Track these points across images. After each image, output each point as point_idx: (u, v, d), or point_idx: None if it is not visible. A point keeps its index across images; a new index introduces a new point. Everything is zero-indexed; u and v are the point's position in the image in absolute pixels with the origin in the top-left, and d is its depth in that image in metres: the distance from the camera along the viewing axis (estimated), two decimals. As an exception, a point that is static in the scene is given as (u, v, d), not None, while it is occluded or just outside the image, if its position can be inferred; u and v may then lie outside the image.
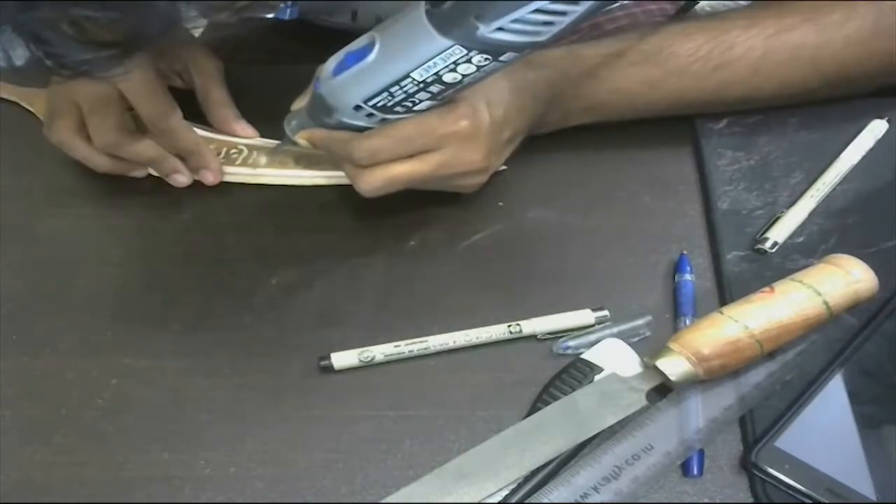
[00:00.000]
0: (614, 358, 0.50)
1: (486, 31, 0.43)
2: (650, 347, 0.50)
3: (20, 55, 0.39)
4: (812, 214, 0.57)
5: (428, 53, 0.46)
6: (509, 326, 0.52)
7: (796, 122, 0.63)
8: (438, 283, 0.56)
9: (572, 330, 0.53)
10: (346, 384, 0.51)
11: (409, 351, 0.52)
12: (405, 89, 0.49)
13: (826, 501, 0.44)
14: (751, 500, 0.45)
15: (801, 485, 0.44)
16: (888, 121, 0.62)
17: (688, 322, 0.52)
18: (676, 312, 0.53)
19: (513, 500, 0.45)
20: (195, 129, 0.63)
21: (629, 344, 0.51)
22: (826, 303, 0.48)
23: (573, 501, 0.44)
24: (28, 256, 0.60)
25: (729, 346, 0.47)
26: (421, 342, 0.52)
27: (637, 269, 0.56)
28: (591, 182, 0.62)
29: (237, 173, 0.63)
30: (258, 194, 0.62)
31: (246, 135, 0.64)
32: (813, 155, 0.61)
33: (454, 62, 0.46)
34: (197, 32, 0.92)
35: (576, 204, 0.60)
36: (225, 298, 0.56)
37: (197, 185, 0.63)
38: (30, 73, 0.71)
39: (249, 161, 0.63)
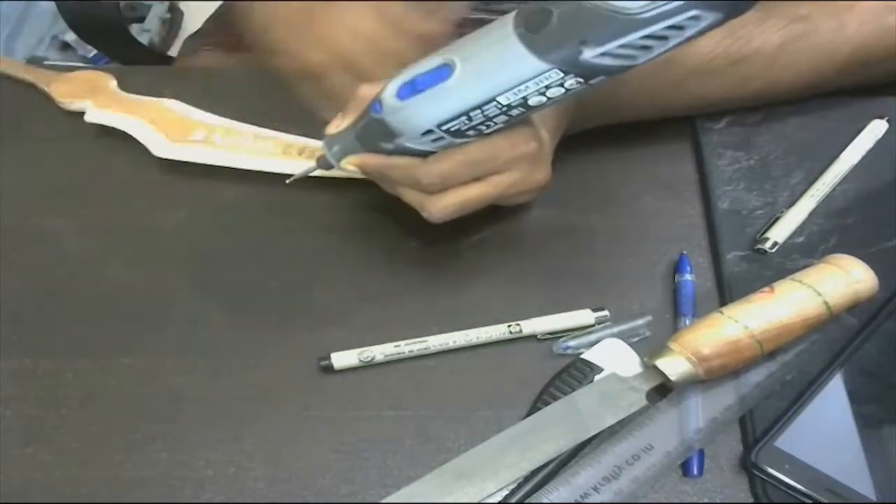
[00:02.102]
0: (614, 358, 0.50)
1: (590, 55, 0.42)
2: (650, 347, 0.50)
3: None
4: (812, 214, 0.57)
5: (521, 77, 0.45)
6: (509, 326, 0.52)
7: (796, 122, 0.63)
8: (438, 283, 0.56)
9: (572, 330, 0.53)
10: (346, 384, 0.51)
11: (409, 351, 0.52)
12: (486, 113, 0.47)
13: (826, 501, 0.44)
14: (751, 500, 0.45)
15: (801, 485, 0.44)
16: (888, 121, 0.62)
17: (688, 322, 0.52)
18: (676, 312, 0.53)
19: (513, 500, 0.45)
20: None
21: (629, 344, 0.51)
22: (826, 303, 0.48)
23: (573, 501, 0.44)
24: (28, 256, 0.59)
25: (729, 346, 0.47)
26: (421, 342, 0.52)
27: (637, 269, 0.56)
28: (591, 182, 0.62)
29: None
30: (258, 194, 0.62)
31: None
32: (813, 155, 0.61)
33: (546, 86, 0.45)
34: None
35: (576, 204, 0.60)
36: (225, 298, 0.56)
37: (197, 185, 0.63)
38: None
39: (255, 149, 0.63)
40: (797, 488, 0.44)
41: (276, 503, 0.47)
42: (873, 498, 0.44)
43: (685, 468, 0.47)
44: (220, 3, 0.95)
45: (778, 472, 0.45)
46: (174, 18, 1.73)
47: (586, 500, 0.44)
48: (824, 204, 0.58)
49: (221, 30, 0.82)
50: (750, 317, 0.47)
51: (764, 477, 0.45)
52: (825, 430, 0.47)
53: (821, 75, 0.61)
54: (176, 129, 0.65)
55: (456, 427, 0.49)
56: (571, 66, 0.43)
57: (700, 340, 0.47)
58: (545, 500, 0.44)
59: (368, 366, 0.52)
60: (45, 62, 1.57)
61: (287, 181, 0.57)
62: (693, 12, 0.41)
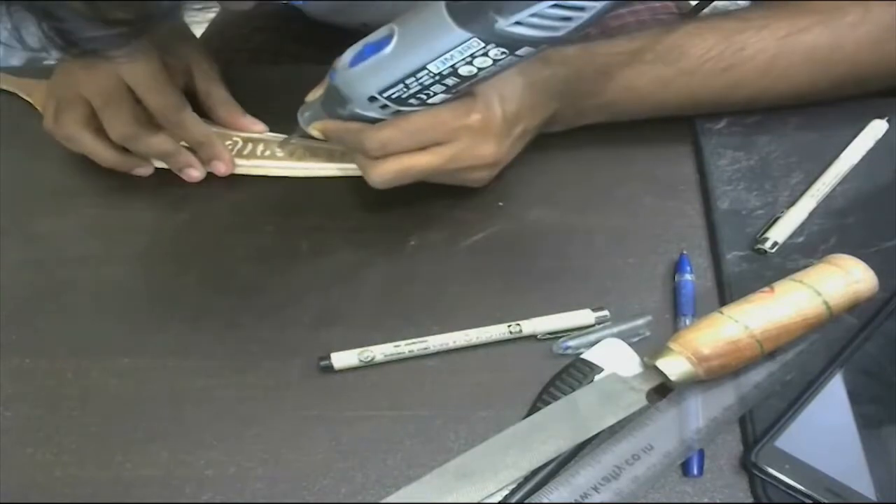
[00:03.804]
0: (614, 358, 0.50)
1: (504, 24, 0.44)
2: (650, 347, 0.50)
3: (31, 32, 0.39)
4: (812, 214, 0.57)
5: (445, 46, 0.46)
6: (509, 326, 0.52)
7: (796, 122, 0.63)
8: (438, 283, 0.56)
9: (572, 330, 0.53)
10: (346, 384, 0.51)
11: (409, 351, 0.52)
12: (421, 81, 0.49)
13: (826, 501, 0.44)
14: (751, 500, 0.45)
15: (801, 485, 0.44)
16: (888, 121, 0.62)
17: (688, 322, 0.52)
18: (676, 312, 0.53)
19: (513, 500, 0.45)
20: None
21: (629, 344, 0.51)
22: (826, 303, 0.48)
23: (573, 501, 0.44)
24: (28, 256, 0.60)
25: (729, 346, 0.47)
26: (421, 342, 0.52)
27: (637, 269, 0.56)
28: (591, 182, 0.62)
29: (245, 165, 0.63)
30: (258, 194, 0.62)
31: (255, 130, 0.64)
32: (813, 155, 0.61)
33: (471, 55, 0.46)
34: (198, 31, 0.92)
35: (576, 204, 0.60)
36: (225, 298, 0.56)
37: (197, 185, 0.63)
38: (30, 72, 0.72)
39: (257, 153, 0.64)
40: (797, 488, 0.44)
41: (276, 503, 0.47)
42: (873, 498, 0.44)
43: (685, 468, 0.47)
44: (211, 22, 0.95)
45: (778, 472, 0.45)
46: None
47: (586, 500, 0.44)
48: (824, 204, 0.58)
49: (213, 47, 0.83)
50: (750, 317, 0.47)
51: (764, 477, 0.45)
52: (825, 430, 0.47)
53: (814, 87, 0.61)
54: None
55: (456, 427, 0.49)
56: (490, 36, 0.45)
57: (700, 340, 0.47)
58: (545, 500, 0.44)
59: (368, 366, 0.52)
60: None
61: (280, 142, 0.62)
62: None
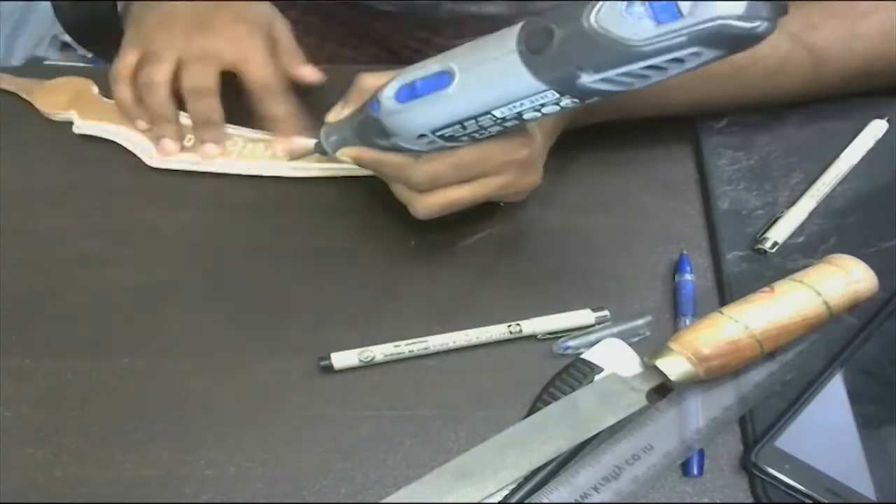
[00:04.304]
0: (614, 358, 0.50)
1: (588, 80, 0.43)
2: (650, 347, 0.50)
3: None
4: (812, 214, 0.57)
5: (517, 94, 0.45)
6: (509, 326, 0.52)
7: (796, 122, 0.63)
8: (438, 283, 0.56)
9: (572, 330, 0.53)
10: (346, 384, 0.51)
11: (409, 351, 0.52)
12: (480, 123, 0.47)
13: (826, 501, 0.44)
14: (751, 500, 0.45)
15: (801, 485, 0.44)
16: (888, 121, 0.62)
17: (688, 322, 0.52)
18: (676, 312, 0.53)
19: (513, 500, 0.45)
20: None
21: (629, 344, 0.51)
22: (826, 303, 0.48)
23: (573, 501, 0.44)
24: (28, 256, 0.59)
25: (729, 346, 0.47)
26: (421, 342, 0.52)
27: (637, 269, 0.56)
28: (591, 182, 0.62)
29: (245, 165, 0.63)
30: (259, 194, 0.62)
31: (313, 78, 0.64)
32: (813, 155, 0.61)
33: (541, 104, 0.45)
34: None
35: (576, 204, 0.60)
36: (225, 298, 0.56)
37: (197, 185, 0.63)
38: (30, 71, 0.72)
39: (257, 154, 0.64)
40: (797, 488, 0.44)
41: (276, 503, 0.47)
42: (873, 498, 0.44)
43: (685, 468, 0.47)
44: None
45: (778, 472, 0.45)
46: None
47: (586, 500, 0.44)
48: (824, 204, 0.58)
49: None
50: (750, 317, 0.47)
51: (764, 477, 0.45)
52: (825, 430, 0.47)
53: (826, 84, 0.61)
54: None
55: (456, 427, 0.49)
56: (568, 89, 0.44)
57: (700, 340, 0.47)
58: (545, 500, 0.44)
59: (368, 366, 0.52)
60: (46, 62, 1.57)
61: (287, 158, 0.61)
62: (695, 49, 0.41)
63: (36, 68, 0.73)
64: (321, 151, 0.56)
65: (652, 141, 0.63)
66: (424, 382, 0.51)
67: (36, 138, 0.67)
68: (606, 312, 0.53)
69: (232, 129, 0.65)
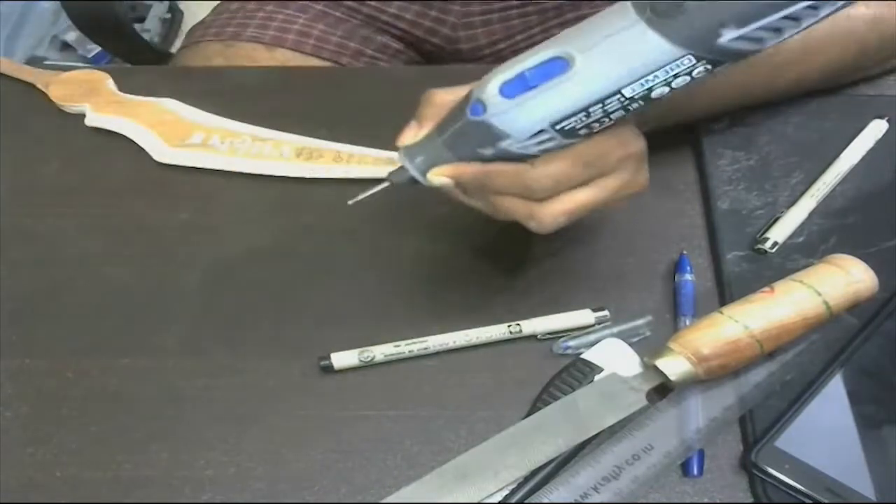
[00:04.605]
0: (614, 358, 0.50)
1: (728, 38, 0.40)
2: (650, 347, 0.50)
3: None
4: (812, 214, 0.57)
5: (653, 65, 0.42)
6: (509, 326, 0.52)
7: (796, 122, 0.63)
8: (438, 283, 0.56)
9: (572, 330, 0.53)
10: (346, 384, 0.51)
11: (409, 351, 0.52)
12: (606, 108, 0.43)
13: (826, 501, 0.44)
14: (751, 500, 0.45)
15: (801, 485, 0.44)
16: (888, 121, 0.62)
17: (688, 322, 0.52)
18: (676, 312, 0.53)
19: (513, 500, 0.45)
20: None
21: (629, 344, 0.51)
22: (826, 303, 0.48)
23: (573, 501, 0.44)
24: (28, 256, 0.59)
25: (729, 346, 0.47)
26: (421, 342, 0.52)
27: (637, 269, 0.56)
28: (591, 182, 0.62)
29: (251, 164, 0.63)
30: (258, 194, 0.62)
31: None
32: (813, 155, 0.61)
33: (675, 74, 0.42)
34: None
35: (576, 204, 0.60)
36: (225, 298, 0.56)
37: (197, 185, 0.63)
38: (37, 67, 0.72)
39: (264, 153, 0.64)
40: (797, 488, 0.44)
41: (275, 503, 0.47)
42: (873, 498, 0.44)
43: (685, 468, 0.47)
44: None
45: (778, 472, 0.45)
46: (174, 18, 1.73)
47: (586, 500, 0.44)
48: (824, 204, 0.58)
49: (224, 20, 0.82)
50: (750, 317, 0.47)
51: (764, 477, 0.45)
52: (825, 430, 0.47)
53: (852, 63, 0.61)
54: (174, 132, 0.65)
55: (456, 427, 0.49)
56: (707, 51, 0.41)
57: (700, 340, 0.47)
58: (545, 500, 0.44)
59: (368, 366, 0.52)
60: (46, 62, 1.57)
61: (350, 202, 0.51)
62: None
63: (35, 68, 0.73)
64: (402, 180, 0.49)
65: (652, 141, 0.63)
66: (424, 382, 0.51)
67: (36, 138, 0.67)
68: (606, 312, 0.53)
69: (240, 127, 0.65)
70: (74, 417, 0.51)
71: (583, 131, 0.45)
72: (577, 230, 0.59)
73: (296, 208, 0.61)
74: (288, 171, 0.63)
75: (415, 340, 0.52)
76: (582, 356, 0.51)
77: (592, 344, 0.51)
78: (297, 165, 0.63)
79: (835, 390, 0.48)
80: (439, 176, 0.48)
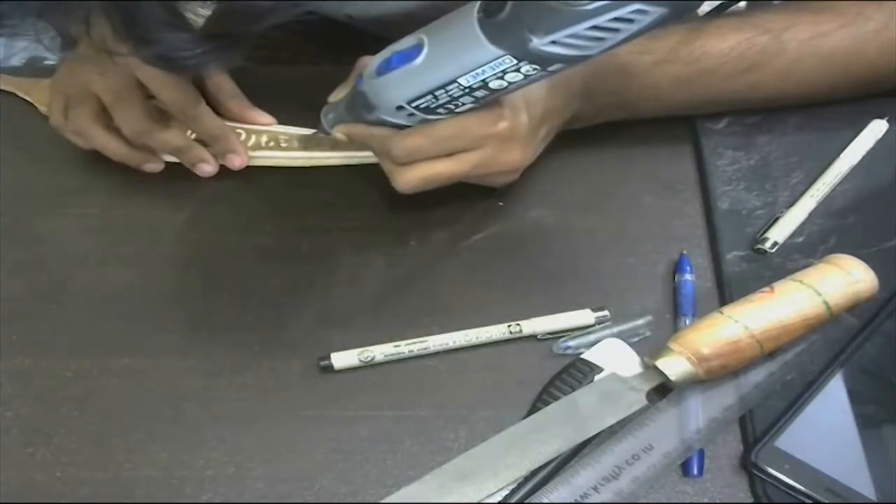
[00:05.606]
0: (614, 358, 0.50)
1: (539, 44, 0.43)
2: (650, 347, 0.50)
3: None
4: (812, 214, 0.57)
5: (477, 61, 0.46)
6: (509, 326, 0.52)
7: (796, 122, 0.63)
8: (438, 283, 0.56)
9: (572, 330, 0.53)
10: (346, 384, 0.51)
11: (409, 351, 0.52)
12: (450, 93, 0.49)
13: (826, 501, 0.44)
14: (751, 500, 0.45)
15: (801, 485, 0.44)
16: (888, 121, 0.62)
17: (688, 322, 0.52)
18: (676, 312, 0.53)
19: (513, 500, 0.45)
20: None
21: (629, 344, 0.51)
22: (826, 303, 0.48)
23: (573, 501, 0.44)
24: (28, 256, 0.59)
25: (729, 346, 0.47)
26: (421, 342, 0.52)
27: (637, 269, 0.56)
28: (591, 182, 0.62)
29: (261, 156, 0.64)
30: (258, 194, 0.62)
31: (263, 122, 0.64)
32: (813, 155, 0.61)
33: (502, 71, 0.46)
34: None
35: (576, 204, 0.60)
36: (225, 298, 0.56)
37: (197, 185, 0.63)
38: (29, 71, 0.72)
39: (262, 144, 0.64)
40: (797, 488, 0.44)
41: (275, 503, 0.47)
42: (873, 498, 0.44)
43: (685, 468, 0.47)
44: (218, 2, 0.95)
45: (778, 472, 0.45)
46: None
47: (586, 500, 0.44)
48: (824, 204, 0.58)
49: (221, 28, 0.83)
50: (750, 317, 0.47)
51: (764, 477, 0.45)
52: (825, 430, 0.47)
53: (833, 89, 0.61)
54: None
55: (456, 427, 0.49)
56: (523, 54, 0.45)
57: (700, 340, 0.47)
58: (545, 500, 0.44)
59: (368, 366, 0.52)
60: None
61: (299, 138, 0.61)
62: (637, 6, 0.41)
63: (36, 68, 0.73)
64: (322, 131, 0.58)
65: (652, 141, 0.63)
66: (424, 382, 0.51)
67: (36, 138, 0.67)
68: (606, 312, 0.53)
69: (234, 122, 0.65)
70: (74, 417, 0.51)
71: (441, 111, 0.51)
72: (578, 230, 0.59)
73: (295, 208, 0.61)
74: (286, 160, 0.63)
75: (415, 340, 0.52)
76: (582, 356, 0.51)
77: (592, 344, 0.51)
78: (295, 154, 0.63)
79: (835, 390, 0.48)
80: (338, 132, 0.57)
